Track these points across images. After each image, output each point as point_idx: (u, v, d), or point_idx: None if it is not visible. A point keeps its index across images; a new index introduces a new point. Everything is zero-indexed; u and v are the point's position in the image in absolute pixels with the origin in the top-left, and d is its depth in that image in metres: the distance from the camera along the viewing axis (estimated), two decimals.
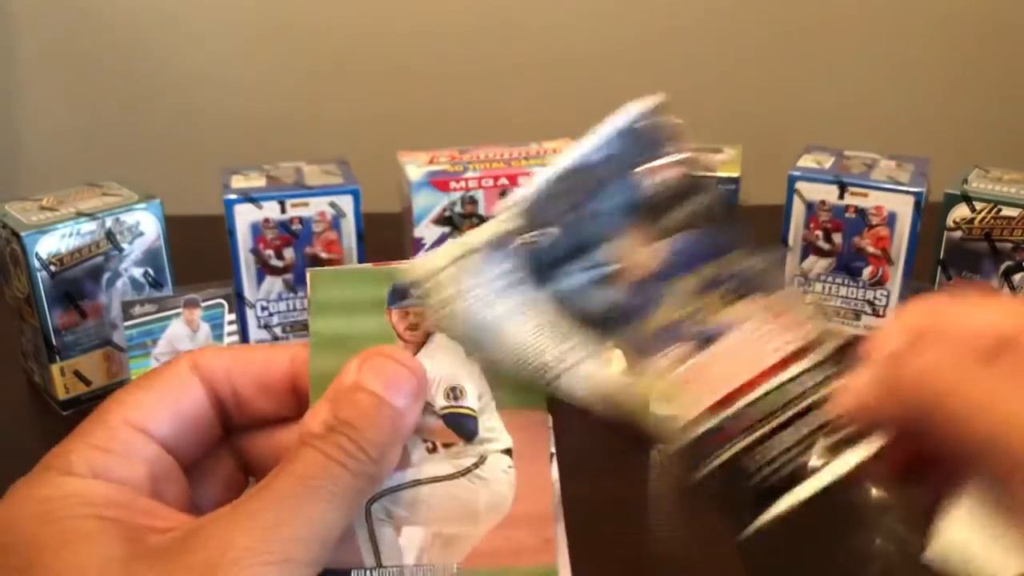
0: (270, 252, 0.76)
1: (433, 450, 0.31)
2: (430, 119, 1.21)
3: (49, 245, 0.68)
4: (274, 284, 0.77)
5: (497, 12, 1.19)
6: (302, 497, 0.26)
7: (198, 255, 0.81)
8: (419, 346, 0.32)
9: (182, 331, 0.68)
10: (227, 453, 0.33)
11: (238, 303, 0.76)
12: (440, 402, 0.32)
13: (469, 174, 0.77)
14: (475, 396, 0.32)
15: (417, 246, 0.78)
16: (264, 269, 0.76)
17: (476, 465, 0.31)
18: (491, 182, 0.78)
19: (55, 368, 0.71)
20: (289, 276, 0.77)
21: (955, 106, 1.24)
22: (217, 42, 1.19)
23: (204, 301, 0.68)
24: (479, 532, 0.31)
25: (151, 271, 0.74)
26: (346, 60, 1.20)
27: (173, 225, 0.75)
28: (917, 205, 0.75)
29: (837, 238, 0.78)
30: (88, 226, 0.70)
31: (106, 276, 0.72)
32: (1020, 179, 0.75)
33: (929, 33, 1.21)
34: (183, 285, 0.71)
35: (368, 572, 0.30)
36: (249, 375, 0.31)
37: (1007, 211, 0.72)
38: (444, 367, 0.32)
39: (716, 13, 1.20)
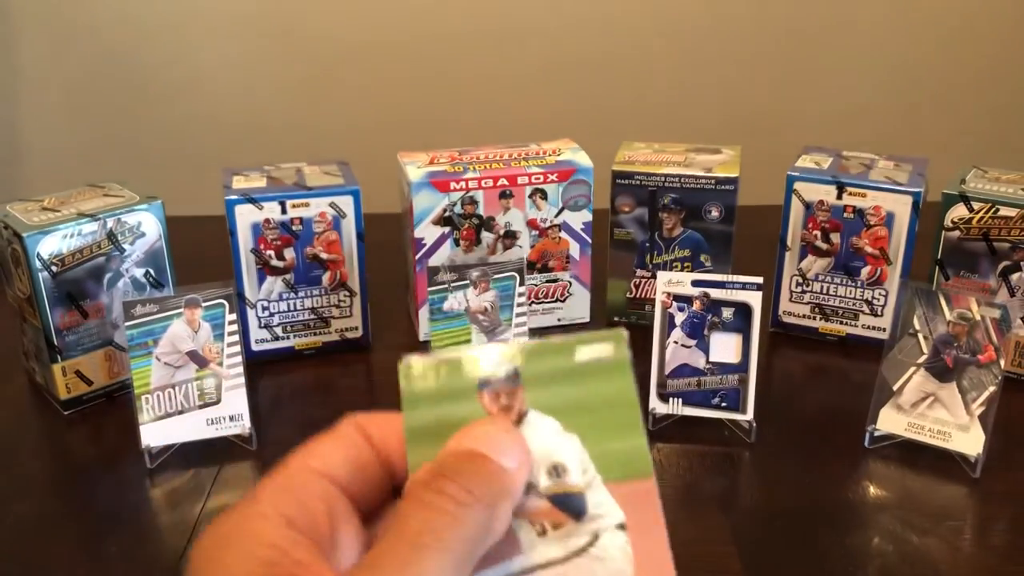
0: (271, 252, 0.76)
1: (542, 533, 0.30)
2: (430, 120, 1.21)
3: (51, 245, 0.68)
4: (275, 284, 0.77)
5: (497, 14, 1.19)
6: (410, 559, 0.26)
7: (199, 255, 0.82)
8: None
9: (183, 331, 0.68)
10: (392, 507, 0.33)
11: (239, 303, 0.76)
12: (543, 482, 0.31)
13: (469, 174, 0.78)
14: (579, 471, 0.31)
15: (417, 246, 0.78)
16: (265, 269, 0.77)
17: (590, 544, 0.30)
18: (491, 182, 0.78)
19: (56, 368, 0.71)
20: (289, 276, 0.77)
21: (953, 107, 1.24)
22: (219, 44, 1.19)
23: (205, 301, 0.69)
24: None
25: (152, 271, 0.74)
26: (347, 62, 1.20)
27: (174, 225, 0.75)
28: (915, 205, 0.75)
29: (835, 238, 0.78)
30: (89, 227, 0.70)
31: (107, 276, 0.72)
32: (1018, 179, 0.76)
33: (927, 34, 1.21)
34: (184, 285, 0.72)
35: None
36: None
37: (1005, 211, 0.72)
38: (543, 445, 0.31)
39: (715, 15, 1.20)
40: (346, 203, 0.76)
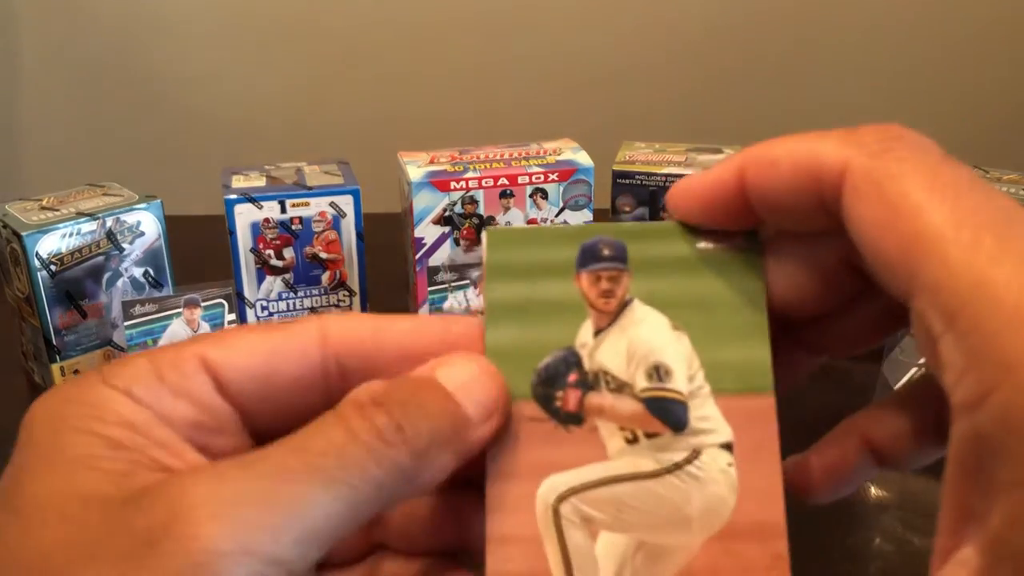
0: (270, 252, 0.76)
1: (633, 440, 0.26)
2: (430, 119, 1.21)
3: (49, 245, 0.68)
4: (274, 284, 0.77)
5: (498, 12, 1.19)
6: (294, 474, 0.21)
7: (198, 255, 0.81)
8: (614, 316, 0.27)
9: (182, 331, 0.68)
10: None
11: (238, 303, 0.76)
12: (641, 383, 0.26)
13: (469, 174, 0.77)
14: (684, 377, 0.26)
15: (418, 246, 0.78)
16: (264, 269, 0.76)
17: (687, 461, 0.26)
18: (491, 182, 0.78)
19: (55, 368, 0.71)
20: (289, 276, 0.77)
21: (954, 106, 1.24)
22: (218, 42, 1.19)
23: (204, 301, 0.69)
24: (693, 543, 0.25)
25: (151, 271, 0.74)
26: (347, 60, 1.20)
27: (173, 225, 0.75)
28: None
29: None
30: (88, 226, 0.70)
31: (106, 276, 0.72)
32: (1019, 180, 0.75)
33: (927, 34, 1.21)
34: (183, 285, 0.71)
35: None
36: (393, 347, 0.27)
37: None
38: (646, 341, 0.27)
39: (716, 14, 1.20)
40: (346, 202, 0.76)
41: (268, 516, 0.20)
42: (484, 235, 0.28)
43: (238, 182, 0.77)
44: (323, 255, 0.77)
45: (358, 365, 0.26)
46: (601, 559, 0.25)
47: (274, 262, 0.77)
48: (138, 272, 0.73)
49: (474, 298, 0.72)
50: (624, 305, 0.27)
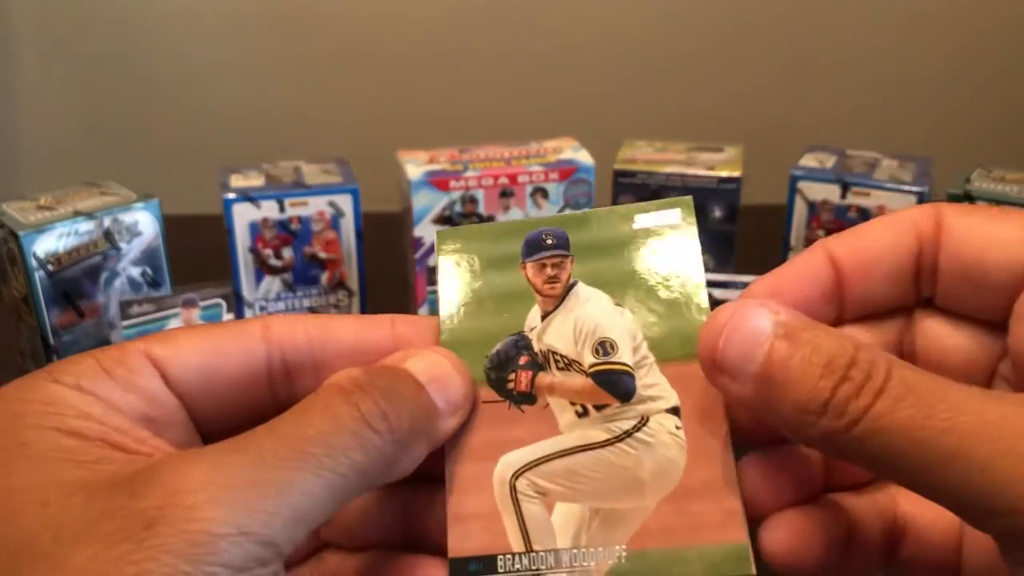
0: (269, 251, 0.76)
1: (584, 414, 0.27)
2: (430, 118, 1.20)
3: (47, 245, 0.68)
4: (272, 284, 0.77)
5: (498, 11, 1.19)
6: (285, 461, 0.22)
7: (196, 255, 0.81)
8: (560, 299, 0.29)
9: None
10: None
11: (236, 303, 0.75)
12: (589, 359, 0.28)
13: (469, 173, 0.77)
14: (629, 349, 0.28)
15: (417, 246, 0.78)
16: (263, 268, 0.76)
17: (636, 428, 0.27)
18: (491, 181, 0.77)
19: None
20: (288, 275, 0.77)
21: (957, 105, 1.23)
22: (216, 40, 1.19)
23: (202, 301, 0.68)
24: (646, 507, 0.26)
25: (149, 270, 0.74)
26: (346, 58, 1.20)
27: (171, 224, 0.74)
28: (920, 204, 0.74)
29: None
30: (86, 225, 0.69)
31: (104, 276, 0.72)
32: (1023, 179, 0.75)
33: (931, 32, 1.21)
34: (181, 285, 0.71)
35: (517, 558, 0.26)
36: (338, 344, 0.27)
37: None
38: (590, 319, 0.28)
39: (717, 12, 1.19)
40: (345, 202, 0.76)
41: (261, 501, 0.21)
42: (436, 236, 0.30)
43: (236, 181, 0.76)
44: (322, 255, 0.77)
45: (304, 363, 0.27)
46: (558, 528, 0.26)
47: (273, 262, 0.76)
48: (136, 272, 0.73)
49: None
50: (569, 288, 0.29)
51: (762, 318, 0.24)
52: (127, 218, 0.72)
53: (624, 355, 0.28)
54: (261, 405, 0.27)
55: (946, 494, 0.21)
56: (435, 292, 0.69)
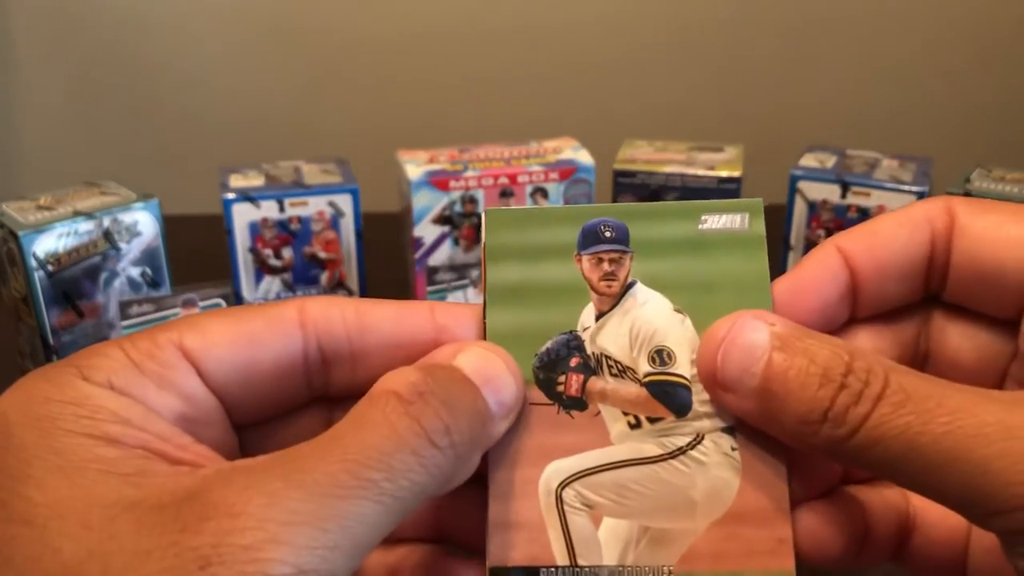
0: (268, 251, 0.76)
1: (636, 425, 0.26)
2: (430, 118, 1.20)
3: (46, 244, 0.68)
4: (272, 284, 0.77)
5: (498, 11, 1.19)
6: (346, 490, 0.20)
7: (196, 255, 0.81)
8: (617, 299, 0.27)
9: None
10: (314, 421, 0.27)
11: (236, 303, 0.75)
12: (644, 367, 0.26)
13: (469, 173, 0.77)
14: (687, 361, 0.26)
15: (417, 246, 0.78)
16: (262, 269, 0.76)
17: (691, 445, 0.26)
18: (491, 181, 0.77)
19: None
20: (287, 275, 0.77)
21: (957, 105, 1.23)
22: (216, 40, 1.19)
23: (202, 301, 0.68)
24: (696, 528, 0.25)
25: (149, 270, 0.74)
26: (346, 58, 1.20)
27: (171, 224, 0.74)
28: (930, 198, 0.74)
29: None
30: (85, 225, 0.69)
31: (104, 276, 0.72)
32: (1023, 179, 0.75)
33: (931, 31, 1.21)
34: (181, 285, 0.71)
35: (560, 572, 0.25)
36: (377, 332, 0.26)
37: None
38: (648, 325, 0.26)
39: (717, 12, 1.19)
40: (345, 202, 0.76)
41: (322, 536, 0.20)
42: (484, 216, 0.27)
43: (236, 181, 0.76)
44: (322, 255, 0.77)
45: (341, 352, 0.26)
46: (604, 544, 0.25)
47: (272, 262, 0.76)
48: (135, 272, 0.73)
49: (474, 298, 0.71)
50: (627, 288, 0.27)
51: (758, 331, 0.24)
52: (127, 218, 0.72)
53: (682, 366, 0.26)
54: (297, 396, 0.26)
55: (947, 495, 0.22)
56: (442, 291, 0.69)
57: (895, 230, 0.26)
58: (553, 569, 0.25)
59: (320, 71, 1.21)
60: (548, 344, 0.27)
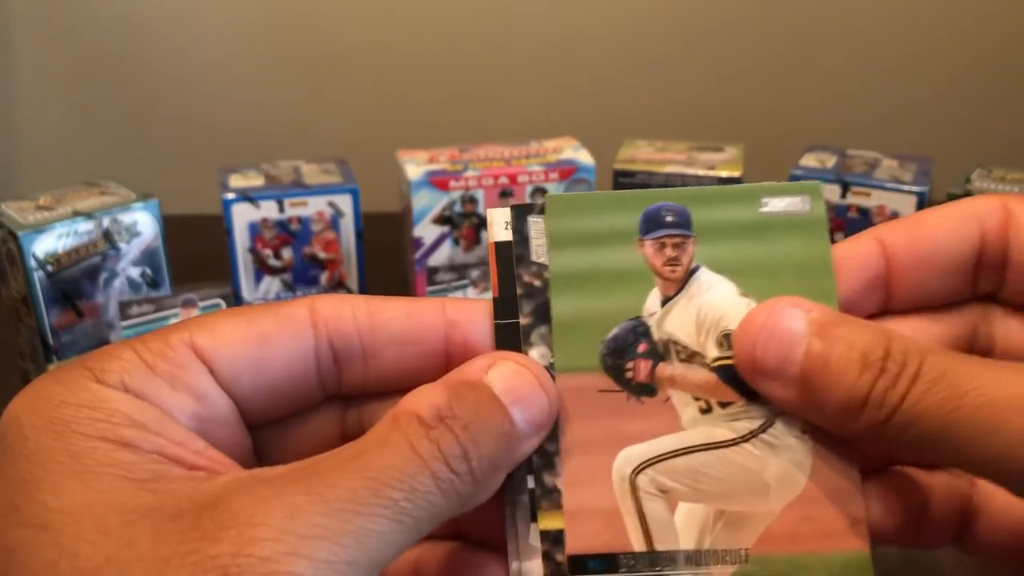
0: (268, 252, 0.76)
1: (707, 410, 0.26)
2: (430, 118, 1.20)
3: (46, 245, 0.68)
4: (272, 284, 0.77)
5: (498, 11, 1.19)
6: (365, 506, 0.20)
7: (196, 255, 0.81)
8: (681, 284, 0.27)
9: None
10: (327, 420, 0.27)
11: (236, 303, 0.75)
12: (712, 352, 0.26)
13: (469, 173, 0.77)
14: None
15: (417, 246, 0.78)
16: (262, 269, 0.76)
17: (762, 428, 0.26)
18: (491, 181, 0.77)
19: (52, 368, 0.70)
20: (287, 275, 0.77)
21: (958, 105, 1.23)
22: (215, 40, 1.19)
23: (202, 301, 0.68)
24: (770, 510, 0.25)
25: (149, 271, 0.73)
26: (345, 58, 1.20)
27: (171, 225, 0.74)
28: (920, 204, 0.74)
29: (839, 237, 0.78)
30: (85, 225, 0.69)
31: (103, 276, 0.71)
32: (1023, 179, 0.75)
33: (931, 32, 1.20)
34: (181, 285, 0.71)
35: (638, 557, 0.25)
36: (388, 331, 0.26)
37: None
38: (715, 309, 0.26)
39: (717, 12, 1.19)
40: (344, 202, 0.76)
41: (341, 551, 0.20)
42: (545, 201, 0.27)
43: (236, 181, 0.76)
44: (321, 255, 0.77)
45: (352, 351, 0.26)
46: (681, 529, 0.25)
47: (272, 262, 0.76)
48: (135, 272, 0.73)
49: (474, 297, 0.72)
50: (691, 273, 0.27)
51: (795, 319, 0.24)
52: (126, 218, 0.71)
53: None
54: (309, 394, 0.26)
55: (987, 468, 0.22)
56: (442, 291, 0.69)
57: (940, 223, 0.26)
58: (631, 555, 0.25)
59: (320, 71, 1.21)
60: (615, 331, 0.27)
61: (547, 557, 0.26)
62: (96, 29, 1.18)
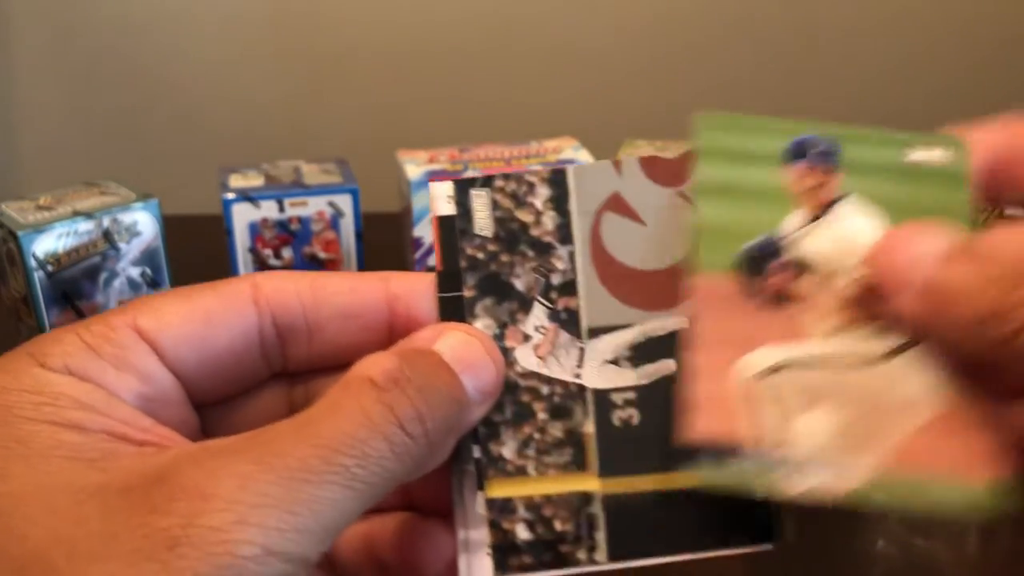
0: (268, 252, 0.76)
1: (835, 329, 0.26)
2: (430, 118, 1.20)
3: (46, 245, 0.68)
4: None
5: (498, 10, 1.19)
6: (315, 474, 0.20)
7: (196, 255, 0.81)
8: (823, 210, 0.27)
9: None
10: (274, 397, 0.27)
11: None
12: (846, 276, 0.27)
13: (469, 173, 0.77)
14: None
15: (417, 246, 0.78)
16: (262, 269, 0.76)
17: (901, 350, 0.26)
18: None
19: None
20: None
21: (957, 105, 1.23)
22: (215, 40, 1.19)
23: None
24: (900, 431, 0.25)
25: (149, 271, 0.74)
26: (345, 58, 1.20)
27: (171, 225, 0.74)
28: None
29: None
30: (85, 225, 0.69)
31: (103, 276, 0.72)
32: None
33: (929, 33, 1.21)
34: (181, 285, 0.71)
35: (758, 454, 0.25)
36: (331, 305, 0.26)
37: (1010, 211, 0.71)
38: (857, 233, 0.27)
39: (717, 12, 1.19)
40: (344, 202, 0.76)
41: (291, 519, 0.20)
42: (697, 119, 0.28)
43: (236, 181, 0.76)
44: (321, 255, 0.77)
45: (296, 326, 0.26)
46: (802, 437, 0.25)
47: (272, 262, 0.76)
48: (135, 272, 0.73)
49: None
50: (833, 202, 0.27)
51: (931, 235, 0.24)
52: (126, 218, 0.72)
53: None
54: (255, 372, 0.26)
55: None
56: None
57: None
58: (743, 451, 0.25)
59: (320, 71, 1.21)
60: (754, 240, 0.27)
61: (493, 525, 0.26)
62: (96, 29, 1.18)
